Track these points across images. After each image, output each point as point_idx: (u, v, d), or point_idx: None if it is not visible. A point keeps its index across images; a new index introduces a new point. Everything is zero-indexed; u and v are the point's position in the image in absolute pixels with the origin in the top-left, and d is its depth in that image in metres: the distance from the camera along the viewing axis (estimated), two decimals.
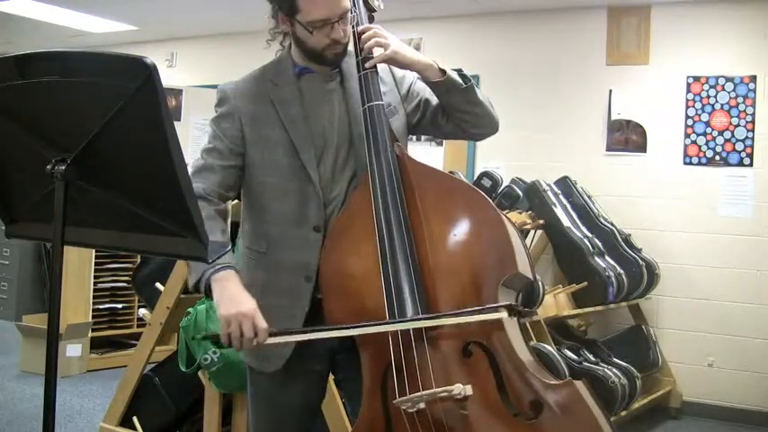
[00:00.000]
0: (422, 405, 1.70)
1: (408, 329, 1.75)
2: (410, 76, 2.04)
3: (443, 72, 1.89)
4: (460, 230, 1.81)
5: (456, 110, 1.94)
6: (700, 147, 4.80)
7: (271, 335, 1.74)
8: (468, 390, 1.69)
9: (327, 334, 1.81)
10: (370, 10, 2.03)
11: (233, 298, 1.73)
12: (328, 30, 1.83)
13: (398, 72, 2.02)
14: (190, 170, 1.90)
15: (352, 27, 1.93)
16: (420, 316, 1.74)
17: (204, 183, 1.87)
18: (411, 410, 1.70)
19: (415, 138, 4.16)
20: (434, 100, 2.00)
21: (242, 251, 2.01)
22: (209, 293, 1.78)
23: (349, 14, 1.87)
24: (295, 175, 1.88)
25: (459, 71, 1.92)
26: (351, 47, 1.95)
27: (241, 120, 1.90)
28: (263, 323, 1.73)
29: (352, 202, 1.88)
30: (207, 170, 1.89)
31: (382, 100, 1.90)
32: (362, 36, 1.91)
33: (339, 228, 1.88)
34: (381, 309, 1.76)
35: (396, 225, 1.80)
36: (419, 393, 1.70)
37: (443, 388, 1.69)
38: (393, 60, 1.90)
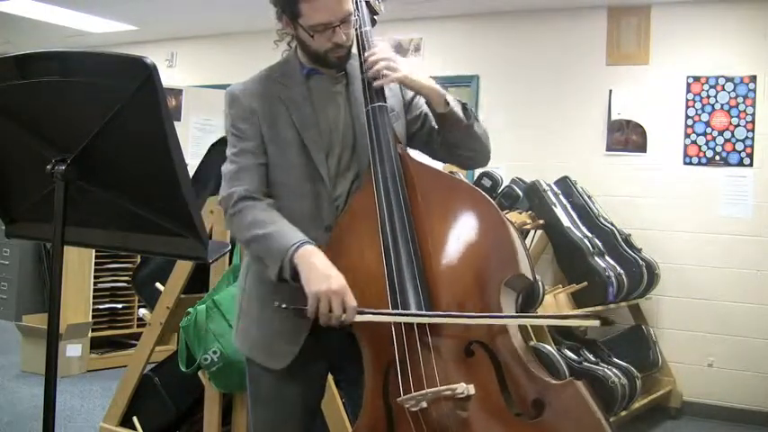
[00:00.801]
0: (425, 404, 1.70)
1: (413, 325, 1.74)
2: None
3: (447, 104, 1.90)
4: (464, 230, 1.82)
5: (453, 144, 1.97)
6: (700, 147, 4.79)
7: (359, 313, 1.73)
8: (471, 389, 1.69)
9: (414, 319, 1.75)
10: (373, 13, 2.03)
11: (323, 274, 1.72)
12: (330, 33, 1.83)
13: None
14: (224, 177, 1.87)
15: (355, 30, 1.94)
16: (517, 314, 1.72)
17: (246, 184, 1.86)
18: (414, 409, 1.70)
19: None
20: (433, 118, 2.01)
21: None
22: (294, 277, 1.74)
23: (352, 18, 1.87)
24: (308, 175, 1.89)
25: (464, 105, 1.93)
26: (354, 49, 1.95)
27: (258, 119, 1.89)
28: (352, 301, 1.72)
29: (356, 202, 1.89)
30: (244, 171, 1.87)
31: (386, 101, 1.91)
32: (370, 59, 1.89)
33: (343, 227, 1.88)
34: (385, 307, 1.76)
35: (399, 224, 1.80)
36: (423, 391, 1.70)
37: (447, 386, 1.69)
38: (404, 83, 1.91)
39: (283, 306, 1.78)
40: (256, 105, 1.90)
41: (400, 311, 1.76)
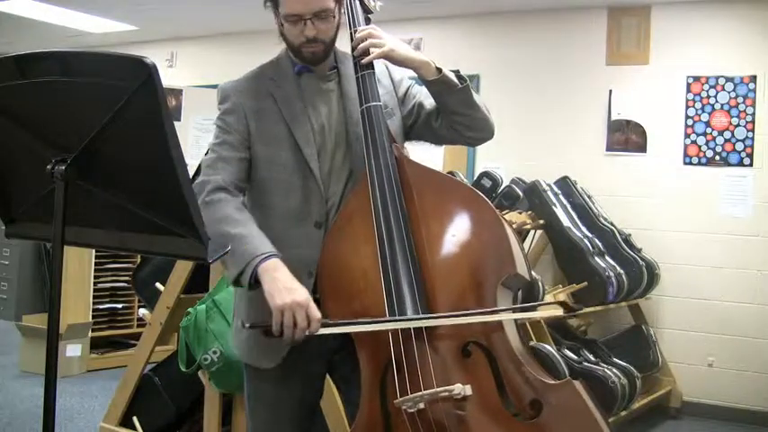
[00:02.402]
0: (422, 405, 1.70)
1: (409, 328, 1.74)
2: (407, 81, 2.05)
3: (439, 71, 1.89)
4: (459, 231, 1.81)
5: (451, 111, 1.94)
6: (700, 147, 4.80)
7: (323, 325, 1.72)
8: (468, 390, 1.69)
9: (381, 326, 1.75)
10: (367, 11, 2.03)
11: (286, 287, 1.71)
12: (301, 26, 1.83)
13: (396, 76, 2.03)
14: (203, 165, 1.90)
15: (350, 30, 1.94)
16: (484, 310, 1.73)
17: (222, 174, 1.85)
18: (411, 410, 1.70)
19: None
20: (428, 104, 2.00)
21: None
22: (251, 285, 1.75)
23: (330, 15, 1.85)
24: (298, 170, 1.88)
25: (457, 72, 1.92)
26: (350, 51, 1.95)
27: (245, 114, 1.90)
28: (317, 313, 1.71)
29: (351, 202, 1.88)
30: (222, 161, 1.87)
31: (380, 101, 1.90)
32: (357, 36, 1.91)
33: (338, 228, 1.88)
34: (381, 308, 1.76)
35: (395, 225, 1.80)
36: (420, 393, 1.70)
37: (444, 387, 1.69)
38: (389, 57, 1.90)
39: (247, 326, 1.81)
40: (245, 101, 1.90)
41: (368, 320, 1.76)
